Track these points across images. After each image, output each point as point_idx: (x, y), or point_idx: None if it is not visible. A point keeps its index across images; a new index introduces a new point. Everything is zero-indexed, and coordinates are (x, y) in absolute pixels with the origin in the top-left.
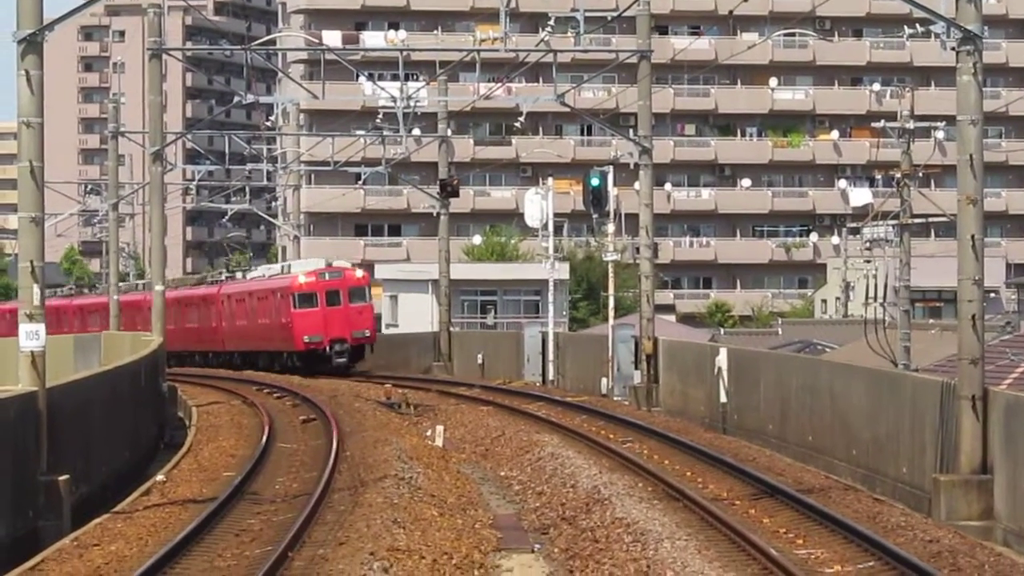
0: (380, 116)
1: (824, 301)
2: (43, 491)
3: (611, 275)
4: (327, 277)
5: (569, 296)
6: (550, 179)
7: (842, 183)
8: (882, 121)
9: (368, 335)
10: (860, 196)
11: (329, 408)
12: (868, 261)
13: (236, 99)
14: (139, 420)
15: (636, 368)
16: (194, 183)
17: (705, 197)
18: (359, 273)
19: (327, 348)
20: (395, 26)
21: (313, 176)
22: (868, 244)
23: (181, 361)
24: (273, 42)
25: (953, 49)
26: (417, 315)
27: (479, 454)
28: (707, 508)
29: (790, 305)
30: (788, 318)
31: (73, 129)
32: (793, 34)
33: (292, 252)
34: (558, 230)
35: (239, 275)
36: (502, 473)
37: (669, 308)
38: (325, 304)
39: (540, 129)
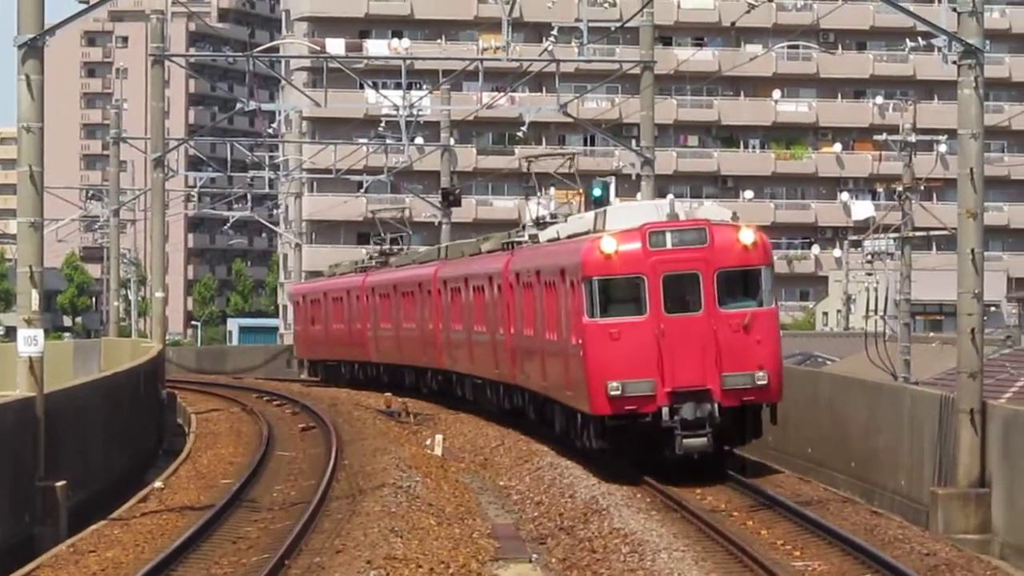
0: (383, 124)
1: (825, 313)
2: (40, 497)
3: None
4: (668, 242)
5: None
6: (552, 189)
7: (844, 196)
8: (884, 134)
9: (764, 382)
10: (862, 209)
11: (329, 416)
12: (869, 274)
13: (239, 106)
14: (138, 427)
15: None
16: (196, 190)
17: None
18: (747, 236)
19: (663, 412)
20: (398, 35)
21: (315, 184)
22: (869, 257)
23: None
24: (276, 49)
25: (955, 63)
26: None
27: (478, 463)
28: (705, 519)
29: (791, 317)
30: (789, 330)
31: (75, 134)
32: (796, 46)
33: (293, 260)
34: None
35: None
36: (501, 483)
37: None
38: (662, 306)
39: (543, 139)
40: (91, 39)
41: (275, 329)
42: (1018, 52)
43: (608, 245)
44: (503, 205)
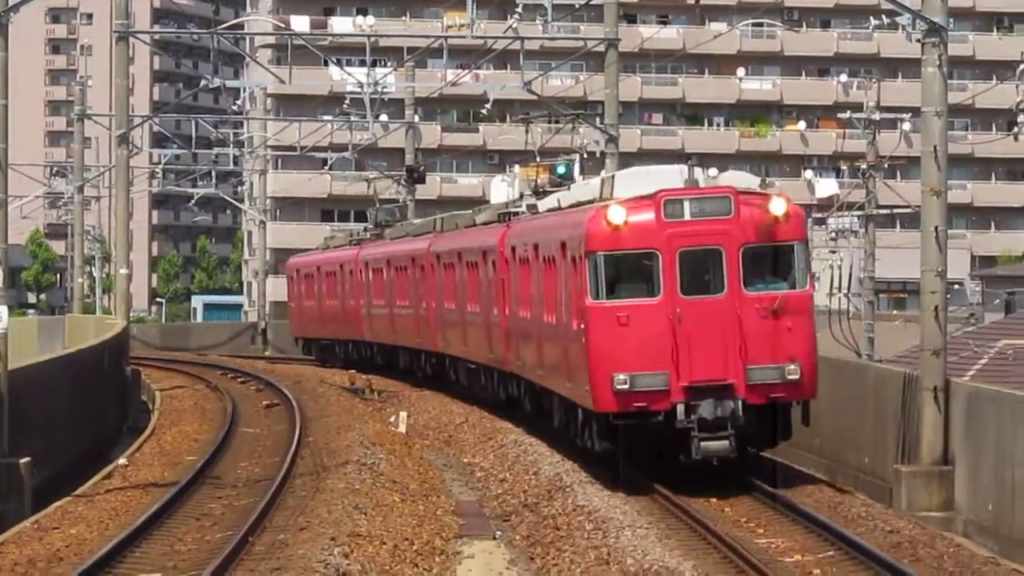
0: (347, 102)
1: None
2: (4, 474)
3: None
4: (686, 212)
5: None
6: (517, 166)
7: (808, 173)
8: (848, 112)
9: (796, 377)
10: (826, 187)
11: (293, 393)
12: (833, 251)
13: (203, 83)
14: (102, 403)
15: None
16: (160, 167)
17: None
18: (779, 206)
19: (677, 410)
20: (363, 11)
21: (280, 161)
22: (833, 234)
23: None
24: (241, 26)
25: (919, 41)
26: None
27: (442, 440)
28: (668, 496)
29: None
30: None
31: (40, 111)
32: (761, 24)
33: (258, 237)
34: None
35: (541, 204)
36: (465, 460)
37: None
38: (678, 287)
39: (507, 116)
40: (55, 16)
41: (239, 306)
42: (982, 30)
43: (616, 215)
44: (467, 182)
